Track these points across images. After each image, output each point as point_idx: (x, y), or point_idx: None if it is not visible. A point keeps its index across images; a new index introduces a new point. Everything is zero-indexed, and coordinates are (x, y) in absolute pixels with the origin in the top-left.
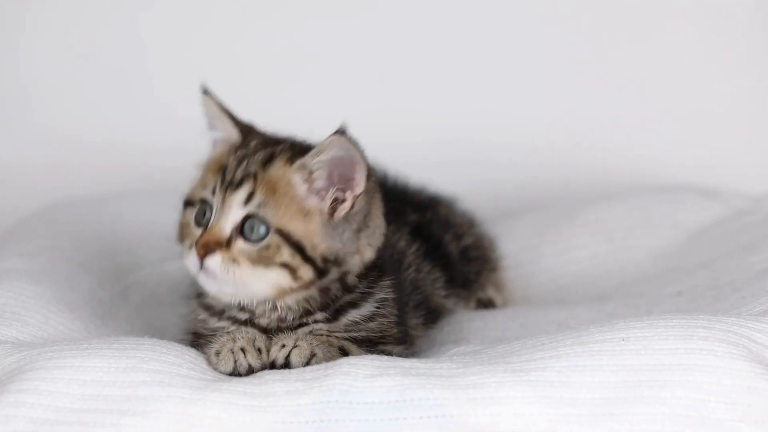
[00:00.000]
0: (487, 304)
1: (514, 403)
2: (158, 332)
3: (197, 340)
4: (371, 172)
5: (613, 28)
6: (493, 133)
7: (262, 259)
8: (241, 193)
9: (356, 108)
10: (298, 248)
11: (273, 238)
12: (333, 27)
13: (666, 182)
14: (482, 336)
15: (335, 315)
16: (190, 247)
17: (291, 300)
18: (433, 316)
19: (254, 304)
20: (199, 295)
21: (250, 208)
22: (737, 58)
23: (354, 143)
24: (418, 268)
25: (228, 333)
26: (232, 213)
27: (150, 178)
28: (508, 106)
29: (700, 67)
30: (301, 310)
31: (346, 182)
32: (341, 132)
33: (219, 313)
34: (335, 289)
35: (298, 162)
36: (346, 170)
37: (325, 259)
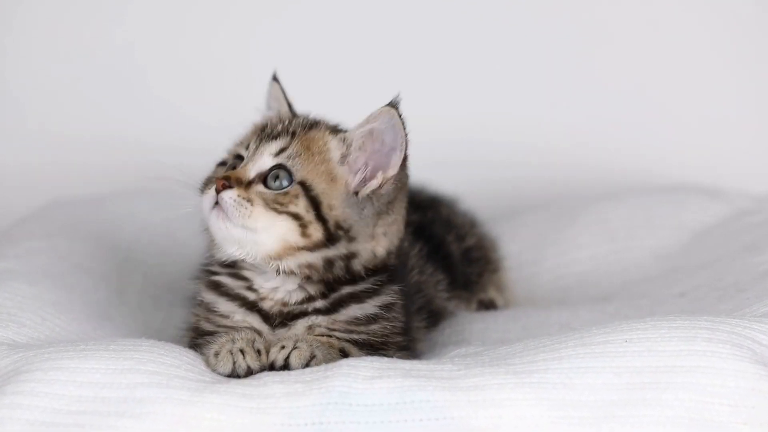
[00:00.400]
0: (488, 306)
1: (515, 405)
2: (156, 333)
3: (197, 338)
4: (406, 161)
5: (615, 27)
6: (494, 132)
7: (277, 204)
8: (275, 145)
9: (357, 108)
10: (315, 203)
11: (293, 188)
12: (335, 26)
13: (669, 182)
14: (484, 337)
15: (335, 306)
16: (209, 186)
17: (293, 262)
18: (435, 318)
19: (257, 259)
20: (207, 272)
21: (280, 159)
22: (741, 57)
23: (401, 120)
24: (422, 270)
25: (227, 334)
26: (261, 160)
27: (147, 178)
28: (510, 105)
29: (703, 67)
30: (303, 281)
31: (380, 160)
32: (393, 105)
33: (227, 293)
34: (339, 267)
35: (341, 134)
36: (384, 147)
37: (338, 225)
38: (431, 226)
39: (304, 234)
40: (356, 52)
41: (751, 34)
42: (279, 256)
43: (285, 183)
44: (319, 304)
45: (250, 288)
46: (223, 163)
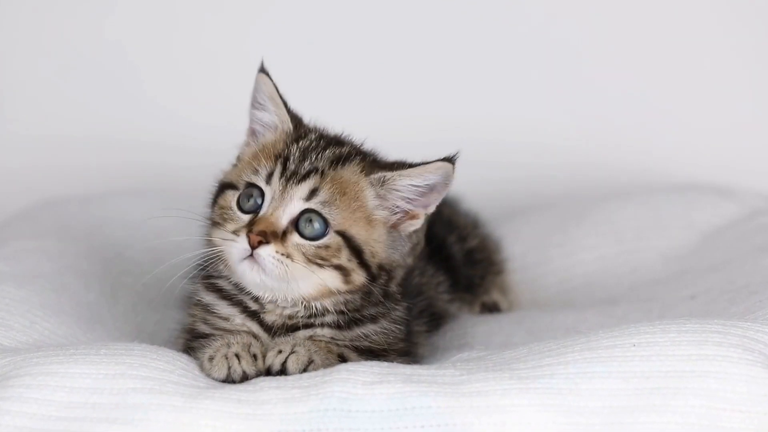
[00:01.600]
0: (492, 309)
1: (519, 411)
2: (148, 337)
3: (192, 341)
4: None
5: (623, 23)
6: (498, 130)
7: (318, 258)
8: (305, 187)
9: (360, 108)
10: (357, 252)
11: (333, 239)
12: (334, 21)
13: (678, 181)
14: (487, 341)
15: (349, 324)
16: (237, 233)
17: (330, 302)
18: (436, 321)
19: (288, 302)
20: (207, 276)
21: (313, 203)
22: (754, 53)
23: (453, 170)
24: (422, 271)
25: (222, 338)
26: (291, 205)
27: (138, 177)
28: (514, 102)
29: (714, 63)
30: (326, 312)
31: (423, 202)
32: (452, 161)
33: (229, 297)
34: (377, 295)
35: (377, 175)
36: (431, 194)
37: (380, 267)
38: (432, 227)
39: (346, 281)
40: (356, 50)
41: (766, 29)
42: (315, 299)
43: (317, 226)
44: (330, 318)
45: (256, 300)
46: (230, 185)
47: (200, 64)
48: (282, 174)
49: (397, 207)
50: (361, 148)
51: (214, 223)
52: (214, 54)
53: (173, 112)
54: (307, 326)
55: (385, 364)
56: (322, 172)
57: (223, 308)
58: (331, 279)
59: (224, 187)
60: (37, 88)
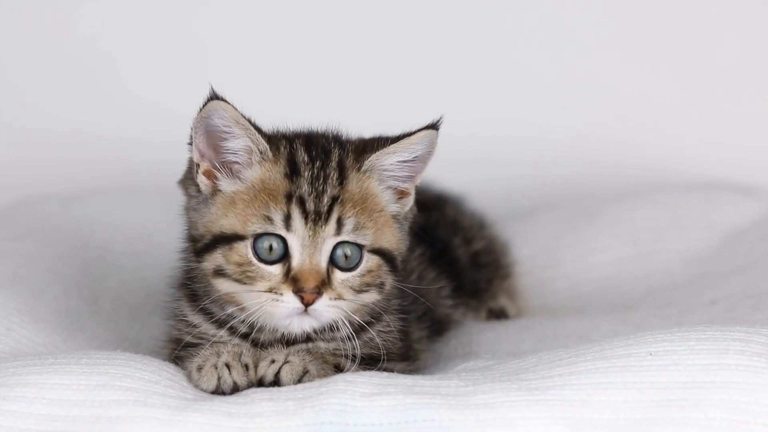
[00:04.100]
0: (499, 315)
1: (529, 424)
2: (132, 345)
3: (179, 351)
4: None
5: (637, 14)
6: (506, 126)
7: (366, 285)
8: (332, 223)
9: (361, 103)
10: (390, 260)
11: (372, 260)
12: (335, 13)
13: (697, 179)
14: (494, 350)
15: (358, 332)
16: (277, 291)
17: (360, 314)
18: (438, 327)
19: (322, 329)
20: (195, 299)
21: (344, 236)
22: None
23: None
24: (422, 275)
25: (212, 346)
26: (325, 246)
27: (121, 175)
28: (522, 98)
29: (734, 55)
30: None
31: (412, 176)
32: (435, 127)
33: (219, 322)
34: (389, 285)
35: (368, 162)
36: (420, 165)
37: (403, 260)
38: (436, 228)
39: (381, 291)
40: (356, 42)
41: None
42: (348, 316)
43: (355, 255)
44: (342, 333)
45: (251, 325)
46: (236, 237)
47: (186, 56)
48: (304, 216)
49: (395, 190)
50: (341, 139)
51: (230, 278)
52: (200, 46)
53: (158, 107)
54: (308, 340)
55: (385, 374)
56: (339, 198)
57: (210, 329)
58: (372, 297)
59: (226, 239)
60: (14, 81)
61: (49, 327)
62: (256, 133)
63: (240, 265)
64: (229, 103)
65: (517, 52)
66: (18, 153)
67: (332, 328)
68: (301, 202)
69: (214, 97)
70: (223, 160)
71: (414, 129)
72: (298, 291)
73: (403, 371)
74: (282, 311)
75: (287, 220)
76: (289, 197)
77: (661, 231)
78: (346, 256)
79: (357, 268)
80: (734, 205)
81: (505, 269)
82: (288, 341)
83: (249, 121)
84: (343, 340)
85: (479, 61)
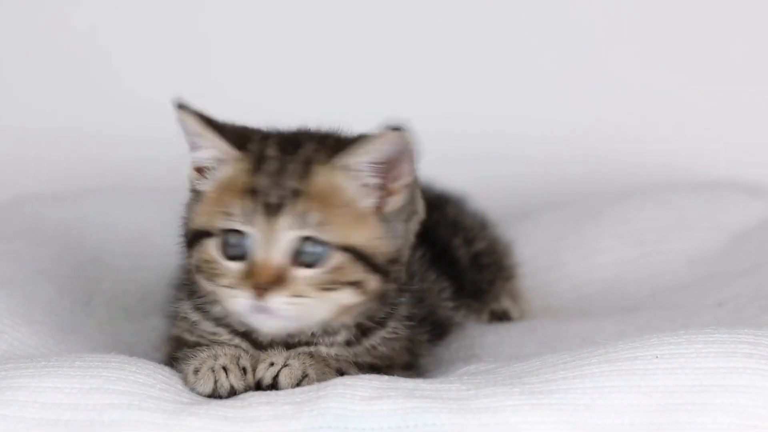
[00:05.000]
0: (501, 317)
1: (532, 429)
2: (127, 348)
3: (177, 350)
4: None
5: (642, 9)
6: (508, 123)
7: (331, 283)
8: (288, 216)
9: (364, 99)
10: (364, 259)
11: (338, 257)
12: (338, 7)
13: (704, 178)
14: (496, 353)
15: (359, 338)
16: (235, 288)
17: (349, 317)
18: (439, 330)
19: (309, 332)
20: (193, 295)
21: (305, 231)
22: None
23: (409, 138)
24: (423, 276)
25: (209, 348)
26: (283, 240)
27: (117, 173)
28: (524, 94)
29: (741, 50)
30: (342, 328)
31: (396, 173)
32: (397, 128)
33: (217, 319)
34: (392, 291)
35: (341, 162)
36: (397, 163)
37: (390, 261)
38: (436, 229)
39: (363, 292)
40: (359, 37)
41: None
42: (334, 319)
43: (319, 251)
44: (342, 337)
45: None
46: (206, 233)
47: (184, 54)
48: (262, 210)
49: (371, 184)
50: (318, 135)
51: (208, 280)
52: (198, 42)
53: (154, 104)
54: (309, 343)
55: (386, 377)
56: (298, 191)
57: (210, 328)
58: (347, 297)
59: (201, 235)
60: (7, 78)
61: (42, 329)
62: (221, 141)
63: (208, 262)
64: (191, 114)
65: (521, 48)
66: (11, 151)
67: (328, 331)
68: (260, 195)
69: (178, 105)
70: (198, 163)
71: (378, 130)
72: (253, 287)
73: (404, 376)
74: (239, 308)
75: (246, 214)
76: (248, 191)
77: (666, 231)
78: (309, 252)
79: (322, 265)
80: (741, 205)
81: (508, 270)
82: (289, 344)
83: (216, 125)
84: (343, 345)
85: (482, 57)
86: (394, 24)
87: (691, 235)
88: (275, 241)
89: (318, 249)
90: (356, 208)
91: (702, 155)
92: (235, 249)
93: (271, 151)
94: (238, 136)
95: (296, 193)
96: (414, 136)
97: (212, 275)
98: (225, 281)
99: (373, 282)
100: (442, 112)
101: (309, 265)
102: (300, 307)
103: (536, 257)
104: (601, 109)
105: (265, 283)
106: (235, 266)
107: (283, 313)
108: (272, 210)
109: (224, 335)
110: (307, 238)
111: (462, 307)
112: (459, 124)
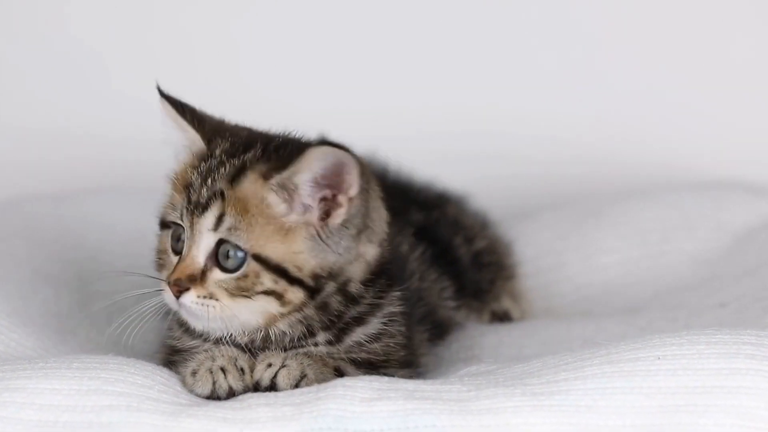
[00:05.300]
0: (502, 317)
1: (533, 430)
2: (125, 349)
3: (172, 355)
4: (364, 167)
5: (643, 8)
6: (509, 123)
7: (242, 290)
8: (210, 217)
9: (362, 99)
10: (280, 272)
11: (250, 265)
12: (340, 12)
13: (706, 178)
14: (497, 354)
15: (339, 336)
16: (165, 281)
17: (283, 325)
18: (440, 330)
19: (245, 335)
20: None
21: (221, 233)
22: None
23: (338, 148)
24: (423, 275)
25: (207, 350)
26: (203, 240)
27: (115, 174)
28: (525, 94)
29: (743, 49)
30: (299, 333)
31: (337, 186)
32: (321, 143)
33: (193, 331)
34: (336, 302)
35: (275, 179)
36: (335, 176)
37: (316, 276)
38: (436, 228)
39: (283, 303)
40: (357, 36)
41: None
42: (267, 325)
43: (239, 257)
44: (321, 338)
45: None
46: (164, 224)
47: (178, 54)
48: (188, 207)
49: (308, 201)
50: (268, 144)
51: (158, 271)
52: (192, 44)
53: (150, 105)
54: (296, 346)
55: (386, 378)
56: (222, 193)
57: (190, 342)
58: (267, 305)
59: (161, 226)
60: (2, 80)
61: (39, 330)
62: (193, 130)
63: (162, 252)
64: (169, 100)
65: (521, 48)
66: (10, 151)
67: (304, 334)
68: (192, 193)
69: (159, 92)
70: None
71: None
72: (172, 283)
73: (404, 377)
74: (167, 301)
75: (181, 209)
76: (186, 186)
77: (669, 232)
78: (227, 256)
79: (237, 271)
80: (744, 205)
81: (509, 270)
82: (273, 344)
83: (196, 115)
84: (326, 345)
85: (482, 57)
86: (393, 24)
87: (695, 236)
88: (197, 240)
89: (240, 255)
90: (279, 221)
91: (703, 155)
92: (179, 245)
93: (219, 151)
94: (213, 130)
95: (220, 195)
96: (344, 145)
97: (160, 266)
98: (165, 274)
99: (295, 295)
100: (442, 112)
101: (225, 269)
102: (209, 310)
103: (538, 258)
104: (602, 109)
105: (177, 279)
106: (174, 259)
107: (194, 312)
108: (198, 209)
109: (203, 345)
110: (225, 241)
111: (463, 307)
112: (459, 124)
